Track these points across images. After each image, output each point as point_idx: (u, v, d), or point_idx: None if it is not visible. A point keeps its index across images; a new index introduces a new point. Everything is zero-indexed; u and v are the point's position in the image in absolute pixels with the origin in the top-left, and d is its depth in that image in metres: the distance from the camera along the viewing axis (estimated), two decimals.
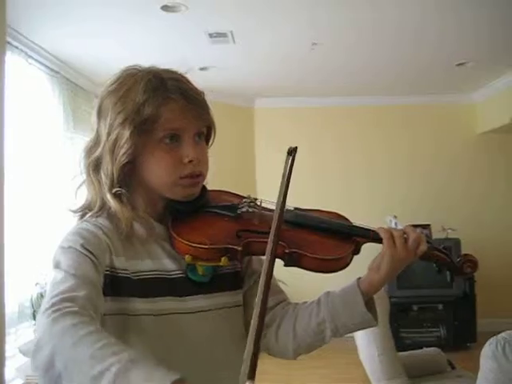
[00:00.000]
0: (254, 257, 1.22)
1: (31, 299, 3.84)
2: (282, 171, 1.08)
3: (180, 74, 1.13)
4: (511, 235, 6.05)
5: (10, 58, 3.73)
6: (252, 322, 0.80)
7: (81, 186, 1.14)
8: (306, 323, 1.13)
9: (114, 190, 1.07)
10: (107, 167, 1.07)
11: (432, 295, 5.37)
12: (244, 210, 1.15)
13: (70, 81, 4.77)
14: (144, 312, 1.03)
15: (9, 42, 3.70)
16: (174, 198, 1.12)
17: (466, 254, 1.16)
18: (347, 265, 1.11)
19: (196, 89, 1.12)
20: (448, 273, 1.19)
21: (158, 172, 1.08)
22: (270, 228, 0.98)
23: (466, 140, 6.23)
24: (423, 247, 1.08)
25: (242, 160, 5.95)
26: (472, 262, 1.15)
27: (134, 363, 0.76)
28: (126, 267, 1.04)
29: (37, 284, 3.84)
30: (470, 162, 6.21)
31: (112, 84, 1.11)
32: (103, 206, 1.09)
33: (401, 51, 4.63)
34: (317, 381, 4.57)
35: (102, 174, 1.08)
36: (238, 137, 5.97)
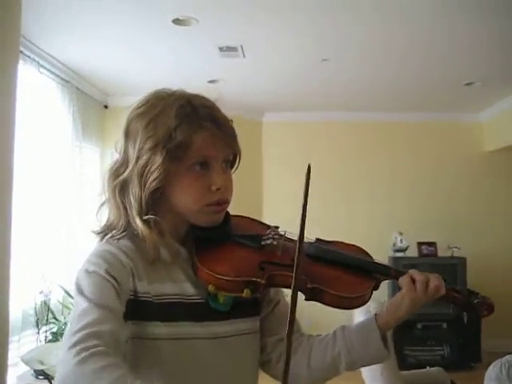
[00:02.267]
0: None
1: (35, 307, 3.84)
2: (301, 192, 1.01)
3: (211, 102, 1.12)
4: None
5: (22, 67, 3.77)
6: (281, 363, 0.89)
7: (102, 205, 1.12)
8: (321, 356, 1.14)
9: (145, 217, 1.05)
10: (135, 191, 1.06)
11: (436, 313, 5.32)
12: (268, 242, 1.14)
13: (80, 90, 4.81)
14: (163, 336, 1.02)
15: (21, 51, 3.74)
16: (197, 224, 1.12)
17: (484, 297, 1.14)
18: (366, 302, 1.11)
19: (226, 117, 1.12)
20: (464, 313, 1.18)
21: (186, 198, 1.08)
22: (293, 260, 0.98)
23: (471, 159, 6.21)
24: (442, 292, 1.08)
25: (248, 174, 5.96)
26: (489, 306, 1.14)
27: None
28: (148, 291, 1.03)
29: (41, 292, 3.85)
30: (475, 181, 6.19)
31: (140, 106, 1.09)
32: (127, 227, 1.08)
33: (409, 68, 4.64)
34: None
35: (131, 198, 1.07)
36: (246, 150, 5.94)
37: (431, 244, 5.70)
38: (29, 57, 3.89)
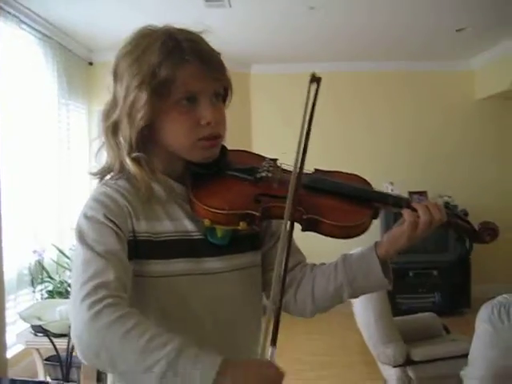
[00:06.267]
0: None
1: (29, 267, 3.86)
2: (304, 104, 1.07)
3: (196, 35, 1.11)
4: (507, 201, 6.06)
5: (2, 23, 3.66)
6: (272, 290, 0.95)
7: (100, 148, 1.13)
8: (324, 288, 1.15)
9: (133, 155, 1.07)
10: (125, 131, 1.07)
11: (427, 261, 5.41)
12: (263, 174, 1.13)
13: (63, 46, 4.69)
14: (161, 274, 1.04)
15: (0, 7, 3.63)
16: (192, 160, 1.11)
17: (487, 222, 1.14)
18: (366, 230, 1.10)
19: (212, 49, 1.11)
20: (467, 240, 1.16)
21: (176, 134, 1.08)
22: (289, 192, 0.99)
23: (464, 106, 6.20)
24: (442, 221, 1.08)
25: (237, 127, 5.88)
26: (493, 231, 1.13)
27: (180, 353, 0.83)
28: (147, 230, 1.05)
29: (34, 252, 3.86)
30: (466, 129, 6.18)
31: (126, 45, 1.09)
32: (122, 168, 1.09)
33: (400, 15, 4.55)
34: (313, 347, 4.63)
35: (121, 138, 1.08)
36: (233, 103, 5.89)
37: (422, 193, 5.73)
38: (9, 12, 3.77)
